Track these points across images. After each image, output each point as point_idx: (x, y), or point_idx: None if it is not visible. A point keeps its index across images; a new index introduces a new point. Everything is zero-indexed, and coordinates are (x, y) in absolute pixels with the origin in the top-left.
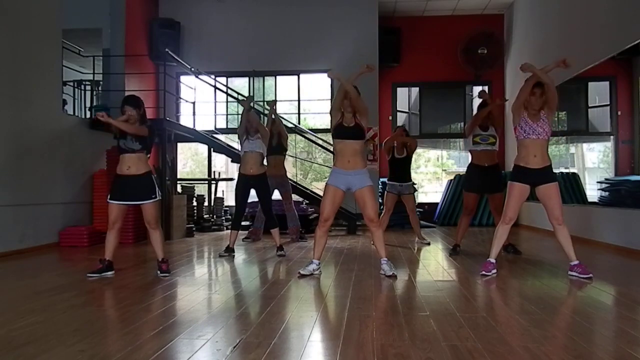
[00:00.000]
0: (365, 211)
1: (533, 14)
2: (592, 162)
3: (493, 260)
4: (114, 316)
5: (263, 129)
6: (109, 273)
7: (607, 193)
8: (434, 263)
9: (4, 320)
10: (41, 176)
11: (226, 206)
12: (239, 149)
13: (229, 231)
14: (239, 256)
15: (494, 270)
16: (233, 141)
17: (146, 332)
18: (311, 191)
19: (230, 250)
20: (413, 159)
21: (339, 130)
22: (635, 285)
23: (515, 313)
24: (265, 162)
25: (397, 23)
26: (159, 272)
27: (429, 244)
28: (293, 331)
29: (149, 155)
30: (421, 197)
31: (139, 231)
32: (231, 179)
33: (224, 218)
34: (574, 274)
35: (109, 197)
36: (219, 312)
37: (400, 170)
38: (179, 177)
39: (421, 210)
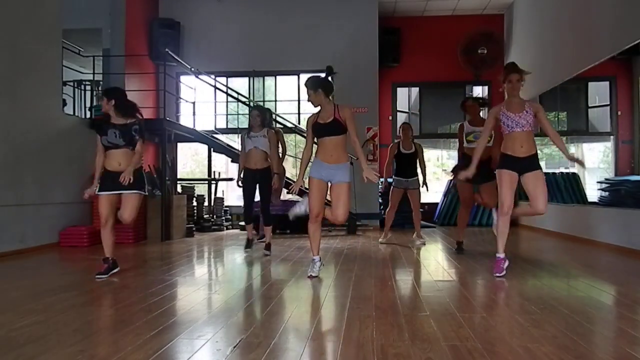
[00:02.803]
0: (337, 208)
1: (533, 14)
2: (592, 162)
3: (502, 256)
4: (114, 316)
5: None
6: (115, 270)
7: (607, 193)
8: (434, 263)
9: (4, 320)
10: (41, 176)
11: (226, 206)
12: (239, 149)
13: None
14: (239, 256)
15: (506, 263)
16: (233, 141)
17: (146, 332)
18: None
19: (250, 243)
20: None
21: (315, 129)
22: (635, 285)
23: (515, 313)
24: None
25: (397, 23)
26: (96, 274)
27: (424, 244)
28: (293, 331)
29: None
30: (421, 197)
31: (139, 231)
32: (231, 179)
33: (223, 218)
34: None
35: (97, 190)
36: (219, 312)
37: (406, 165)
38: (179, 177)
39: (421, 210)
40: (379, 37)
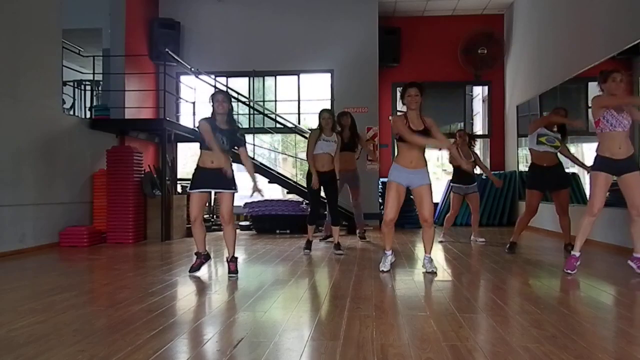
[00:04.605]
0: (422, 210)
1: (533, 14)
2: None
3: (577, 254)
4: (114, 316)
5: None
6: (208, 261)
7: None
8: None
9: (4, 320)
10: (41, 176)
11: None
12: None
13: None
14: (239, 256)
15: (577, 263)
16: None
17: (146, 332)
18: None
19: (309, 244)
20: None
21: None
22: (636, 285)
23: (515, 313)
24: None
25: (397, 23)
26: (228, 273)
27: (484, 242)
28: (293, 331)
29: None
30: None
31: (138, 231)
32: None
33: None
34: (633, 265)
35: (188, 188)
36: (219, 312)
37: (465, 172)
38: (179, 177)
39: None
40: (379, 37)
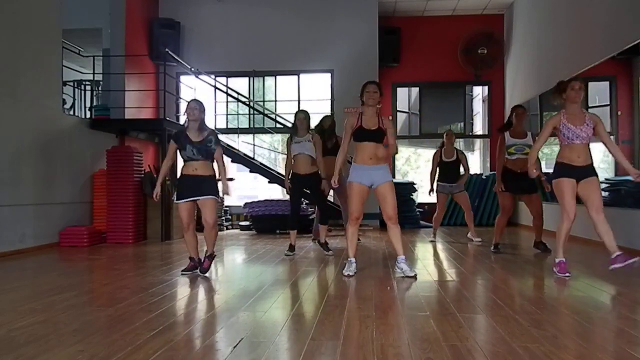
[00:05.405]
0: (385, 207)
1: (533, 14)
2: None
3: (564, 259)
4: (114, 316)
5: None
6: (197, 270)
7: (607, 193)
8: (434, 263)
9: (4, 320)
10: (41, 176)
11: (226, 206)
12: (238, 149)
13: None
14: (239, 256)
15: (566, 266)
16: (233, 141)
17: (146, 332)
18: None
19: (292, 248)
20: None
21: (358, 133)
22: (635, 285)
23: (515, 313)
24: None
25: (397, 23)
26: (200, 271)
27: (480, 241)
28: (293, 331)
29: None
30: (421, 197)
31: (138, 231)
32: (231, 179)
33: (223, 218)
34: (617, 265)
35: (175, 198)
36: (219, 312)
37: (450, 172)
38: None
39: (421, 210)
40: (379, 37)
